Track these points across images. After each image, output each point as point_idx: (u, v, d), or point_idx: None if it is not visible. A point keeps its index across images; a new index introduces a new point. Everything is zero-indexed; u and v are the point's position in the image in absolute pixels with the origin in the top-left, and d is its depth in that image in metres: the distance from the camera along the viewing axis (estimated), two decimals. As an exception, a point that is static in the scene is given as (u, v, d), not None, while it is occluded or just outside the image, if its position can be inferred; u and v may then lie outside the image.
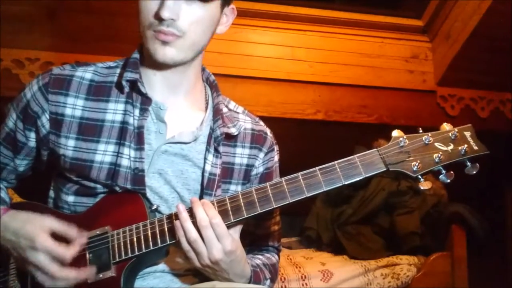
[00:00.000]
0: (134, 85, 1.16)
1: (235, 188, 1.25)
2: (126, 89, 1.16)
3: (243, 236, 1.10)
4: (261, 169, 1.28)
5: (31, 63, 2.55)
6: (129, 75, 1.16)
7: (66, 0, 2.45)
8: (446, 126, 1.12)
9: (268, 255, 1.30)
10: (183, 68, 1.18)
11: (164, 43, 1.09)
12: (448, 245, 2.63)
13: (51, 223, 1.07)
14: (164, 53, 1.10)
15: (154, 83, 1.19)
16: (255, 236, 1.29)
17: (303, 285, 2.36)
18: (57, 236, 1.06)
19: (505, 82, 3.07)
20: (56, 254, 1.03)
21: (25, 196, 1.47)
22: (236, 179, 1.25)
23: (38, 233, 1.04)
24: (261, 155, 1.28)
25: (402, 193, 2.75)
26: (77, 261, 1.07)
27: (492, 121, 3.15)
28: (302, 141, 3.04)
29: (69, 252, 1.04)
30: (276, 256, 1.33)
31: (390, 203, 2.75)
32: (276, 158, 1.33)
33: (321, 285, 2.38)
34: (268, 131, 1.32)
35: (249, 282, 1.12)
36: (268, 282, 1.21)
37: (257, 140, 1.28)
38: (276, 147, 1.33)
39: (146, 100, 1.16)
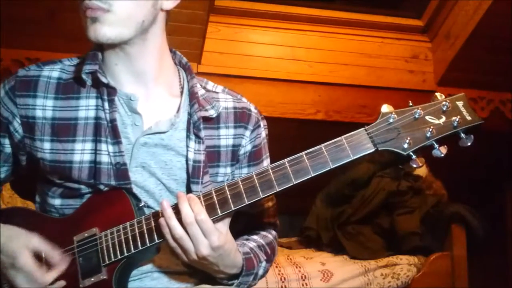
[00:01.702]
0: (97, 78, 1.11)
1: (224, 170, 1.20)
2: (88, 83, 1.12)
3: (238, 216, 1.08)
4: (249, 148, 1.23)
5: (31, 63, 2.55)
6: (87, 67, 1.11)
7: (66, 0, 2.45)
8: (438, 96, 1.06)
9: (264, 233, 1.27)
10: (137, 52, 1.12)
11: (93, 19, 1.04)
12: (448, 245, 2.63)
13: (35, 243, 1.05)
14: (95, 30, 1.05)
15: (118, 73, 1.14)
16: (249, 215, 1.24)
17: (303, 285, 2.36)
18: (41, 255, 1.05)
19: (505, 82, 3.07)
20: (33, 278, 1.02)
21: (25, 196, 1.46)
22: (224, 162, 1.20)
23: (20, 251, 1.03)
24: (247, 133, 1.22)
25: (402, 193, 2.75)
26: (68, 266, 1.06)
27: (492, 121, 3.15)
28: (302, 141, 3.02)
29: (46, 277, 1.03)
30: (273, 232, 1.29)
31: (390, 203, 2.75)
32: (264, 134, 1.27)
33: (321, 285, 2.38)
34: (252, 107, 1.26)
35: (241, 271, 1.11)
36: (263, 264, 1.18)
37: (241, 118, 1.22)
38: (262, 123, 1.27)
39: (111, 91, 1.11)
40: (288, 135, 2.82)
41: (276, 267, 2.39)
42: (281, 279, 2.34)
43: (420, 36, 3.22)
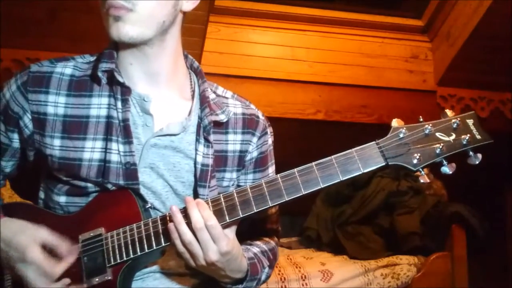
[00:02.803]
0: (113, 76, 1.12)
1: (230, 175, 1.21)
2: (104, 81, 1.12)
3: (241, 220, 1.07)
4: (255, 154, 1.24)
5: (31, 63, 2.56)
6: (104, 65, 1.12)
7: (66, 0, 2.45)
8: (448, 113, 1.07)
9: (266, 238, 1.27)
10: (155, 52, 1.13)
11: (116, 18, 1.05)
12: (448, 245, 2.63)
13: (43, 235, 1.05)
14: (117, 28, 1.06)
15: (132, 73, 1.15)
16: (252, 220, 1.23)
17: (303, 285, 2.36)
18: (48, 248, 1.05)
19: (505, 82, 3.07)
20: (45, 270, 1.02)
21: (24, 196, 1.46)
22: (230, 167, 1.21)
23: (28, 245, 1.03)
24: (255, 139, 1.24)
25: (402, 193, 2.75)
26: (72, 265, 1.06)
27: (492, 121, 3.15)
28: (302, 141, 3.04)
29: (56, 269, 1.03)
30: (275, 238, 1.30)
31: (390, 203, 2.75)
32: (270, 141, 1.28)
33: (321, 285, 2.38)
34: (260, 114, 1.27)
35: (246, 276, 1.11)
36: (266, 269, 1.19)
37: (249, 124, 1.23)
38: (269, 130, 1.28)
39: (125, 90, 1.12)
40: (288, 135, 2.82)
41: (276, 267, 2.39)
42: (281, 279, 2.35)
43: (420, 36, 3.22)
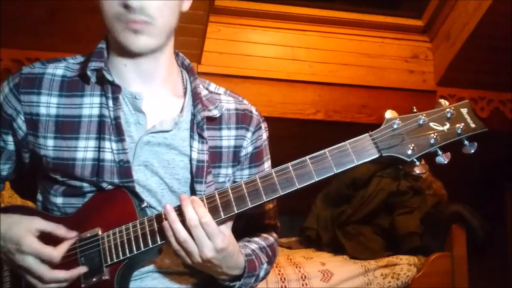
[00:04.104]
0: (103, 75, 1.12)
1: (225, 171, 1.21)
2: (93, 80, 1.13)
3: (239, 217, 1.08)
4: (250, 149, 1.24)
5: (31, 63, 2.55)
6: (93, 64, 1.12)
7: (66, 0, 2.45)
8: (442, 102, 1.07)
9: (265, 235, 1.27)
10: (156, 54, 1.14)
11: (136, 31, 1.06)
12: (448, 245, 2.63)
13: (38, 223, 1.06)
14: (138, 41, 1.07)
15: (126, 74, 1.15)
16: (250, 216, 1.24)
17: (303, 285, 2.36)
18: (45, 238, 1.05)
19: (505, 82, 3.07)
20: (44, 256, 1.02)
21: (24, 195, 1.46)
22: (225, 162, 1.21)
23: (24, 235, 1.03)
24: (249, 134, 1.24)
25: (402, 193, 2.75)
26: (70, 265, 1.06)
27: (492, 121, 3.15)
28: (302, 141, 3.04)
29: (56, 252, 1.03)
30: (274, 234, 1.30)
31: (390, 203, 2.75)
32: (265, 136, 1.28)
33: (321, 285, 2.38)
34: (253, 109, 1.27)
35: (243, 273, 1.11)
36: (265, 266, 1.19)
37: (242, 119, 1.23)
38: (263, 125, 1.28)
39: (115, 89, 1.12)
40: (288, 135, 2.82)
41: (276, 267, 2.40)
42: (281, 279, 2.35)
43: (420, 36, 3.23)
